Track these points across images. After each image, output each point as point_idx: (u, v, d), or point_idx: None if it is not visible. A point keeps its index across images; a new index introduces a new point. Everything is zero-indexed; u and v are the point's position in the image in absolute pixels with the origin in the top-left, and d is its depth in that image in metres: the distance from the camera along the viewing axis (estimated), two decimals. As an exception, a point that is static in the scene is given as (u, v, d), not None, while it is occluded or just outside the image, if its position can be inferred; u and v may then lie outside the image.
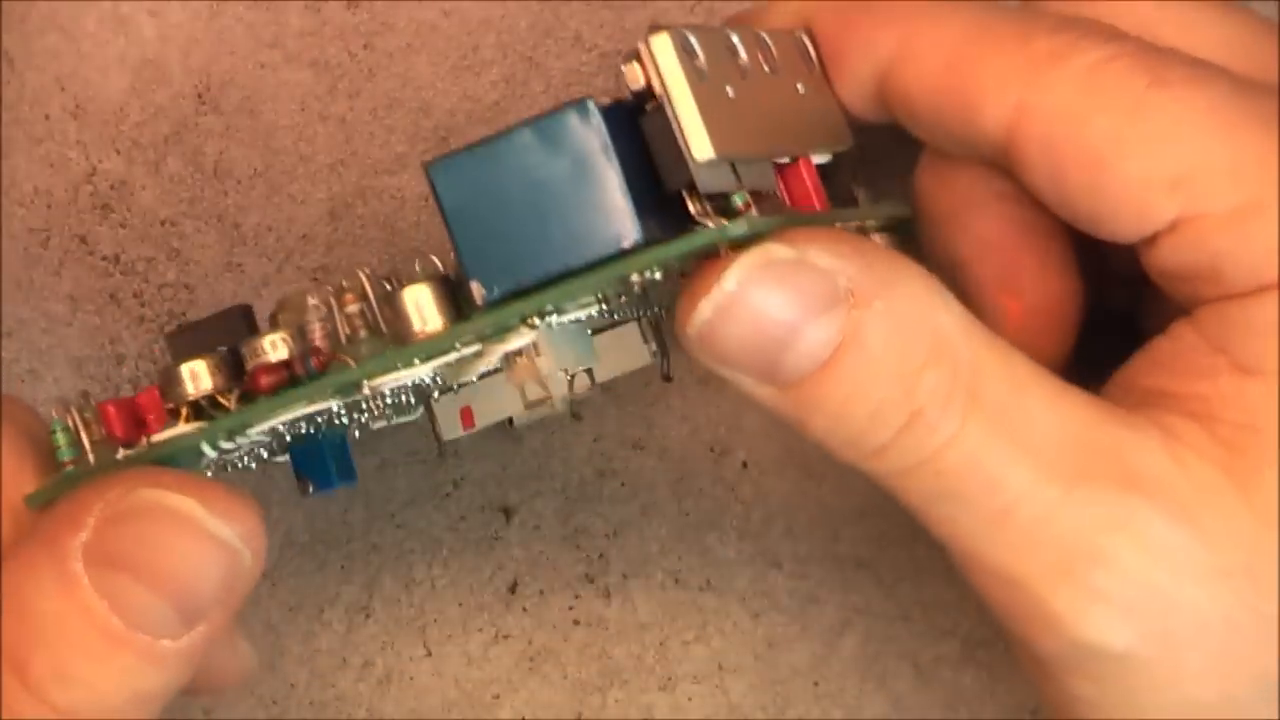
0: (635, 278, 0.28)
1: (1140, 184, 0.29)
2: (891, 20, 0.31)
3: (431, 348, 0.29)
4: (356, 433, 0.34)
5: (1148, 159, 0.29)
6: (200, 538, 0.29)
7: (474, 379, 0.32)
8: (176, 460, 0.30)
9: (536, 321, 0.29)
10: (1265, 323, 0.29)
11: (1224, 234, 0.29)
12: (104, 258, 0.40)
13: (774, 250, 0.29)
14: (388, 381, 0.29)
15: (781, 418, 0.30)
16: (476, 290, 0.28)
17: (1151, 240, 0.29)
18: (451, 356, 0.29)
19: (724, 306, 0.29)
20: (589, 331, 0.35)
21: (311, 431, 0.33)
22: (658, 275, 0.29)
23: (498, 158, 0.28)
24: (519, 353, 0.31)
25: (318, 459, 0.34)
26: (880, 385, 0.29)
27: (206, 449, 0.30)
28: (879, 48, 0.31)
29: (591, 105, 0.28)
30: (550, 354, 0.32)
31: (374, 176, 0.39)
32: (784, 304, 0.28)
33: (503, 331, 0.29)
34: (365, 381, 0.29)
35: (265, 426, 0.30)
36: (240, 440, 0.30)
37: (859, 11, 0.32)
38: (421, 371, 0.29)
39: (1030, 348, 0.30)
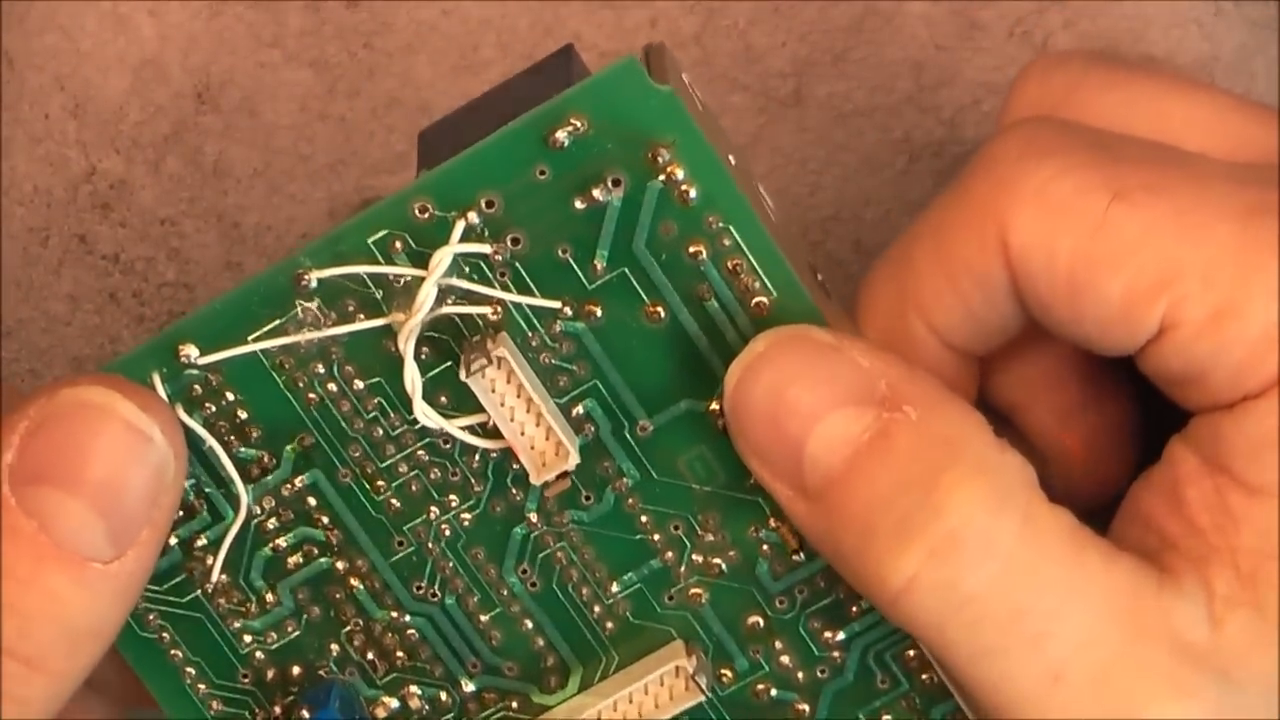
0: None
1: (1120, 300, 0.28)
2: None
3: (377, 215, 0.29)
4: None
5: (1122, 275, 0.28)
6: (120, 428, 0.28)
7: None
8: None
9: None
10: (1260, 436, 0.28)
11: (1203, 341, 0.28)
12: (103, 257, 0.40)
13: (813, 331, 0.28)
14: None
15: (820, 544, 0.29)
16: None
17: (1143, 349, 0.29)
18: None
19: (751, 368, 0.28)
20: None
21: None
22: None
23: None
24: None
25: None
26: (907, 492, 0.27)
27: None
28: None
29: None
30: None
31: (374, 176, 0.39)
32: (810, 383, 0.28)
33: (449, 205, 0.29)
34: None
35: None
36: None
37: None
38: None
39: (1098, 477, 0.30)
